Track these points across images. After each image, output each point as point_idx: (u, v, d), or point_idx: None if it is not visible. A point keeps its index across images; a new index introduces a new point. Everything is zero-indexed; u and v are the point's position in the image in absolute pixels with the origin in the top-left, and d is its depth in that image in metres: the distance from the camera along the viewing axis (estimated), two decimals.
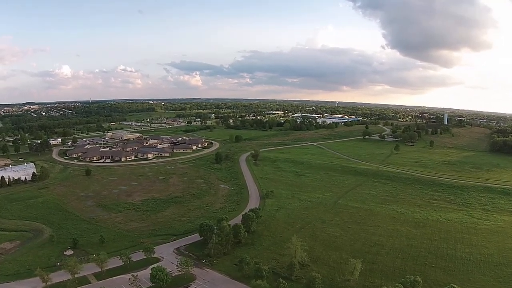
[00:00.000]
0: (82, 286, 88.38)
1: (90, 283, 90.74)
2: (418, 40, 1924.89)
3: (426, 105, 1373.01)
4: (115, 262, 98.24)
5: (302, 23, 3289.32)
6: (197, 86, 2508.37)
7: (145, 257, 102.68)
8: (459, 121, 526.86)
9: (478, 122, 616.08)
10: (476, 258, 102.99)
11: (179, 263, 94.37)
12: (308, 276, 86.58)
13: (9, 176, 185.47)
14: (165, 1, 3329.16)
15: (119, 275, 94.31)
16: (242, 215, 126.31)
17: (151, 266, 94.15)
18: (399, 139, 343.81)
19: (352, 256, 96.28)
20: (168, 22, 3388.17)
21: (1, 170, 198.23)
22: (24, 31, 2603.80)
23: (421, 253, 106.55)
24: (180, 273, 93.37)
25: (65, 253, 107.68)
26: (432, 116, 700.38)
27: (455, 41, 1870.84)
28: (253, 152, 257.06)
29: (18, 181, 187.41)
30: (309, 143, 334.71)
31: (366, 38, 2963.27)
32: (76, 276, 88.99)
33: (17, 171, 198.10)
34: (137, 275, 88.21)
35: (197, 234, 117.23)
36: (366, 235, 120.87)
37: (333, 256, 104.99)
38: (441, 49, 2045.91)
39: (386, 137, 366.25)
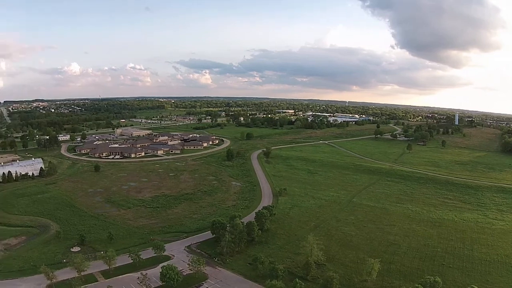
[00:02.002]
0: (89, 285, 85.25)
1: (97, 281, 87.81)
2: (428, 40, 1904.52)
3: (435, 106, 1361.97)
4: (123, 259, 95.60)
5: (311, 23, 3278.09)
6: (207, 85, 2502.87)
7: (155, 254, 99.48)
8: (470, 121, 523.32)
9: (488, 123, 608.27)
10: (493, 258, 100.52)
11: (190, 262, 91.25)
12: (326, 276, 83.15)
13: (16, 171, 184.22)
14: None
15: (127, 273, 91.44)
16: (256, 212, 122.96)
17: (161, 264, 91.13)
18: (411, 138, 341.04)
19: (369, 256, 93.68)
20: (176, 20, 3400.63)
21: (9, 165, 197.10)
22: (31, 28, 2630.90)
23: (438, 253, 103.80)
24: (191, 271, 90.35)
25: (71, 249, 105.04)
26: (442, 116, 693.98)
27: (464, 42, 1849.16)
28: (264, 149, 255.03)
29: (25, 176, 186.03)
30: (321, 141, 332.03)
31: (375, 37, 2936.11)
32: (82, 273, 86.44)
33: (25, 166, 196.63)
34: (147, 273, 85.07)
35: (209, 231, 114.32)
36: (382, 234, 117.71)
37: (350, 256, 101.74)
38: (450, 50, 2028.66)
39: (398, 136, 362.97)
